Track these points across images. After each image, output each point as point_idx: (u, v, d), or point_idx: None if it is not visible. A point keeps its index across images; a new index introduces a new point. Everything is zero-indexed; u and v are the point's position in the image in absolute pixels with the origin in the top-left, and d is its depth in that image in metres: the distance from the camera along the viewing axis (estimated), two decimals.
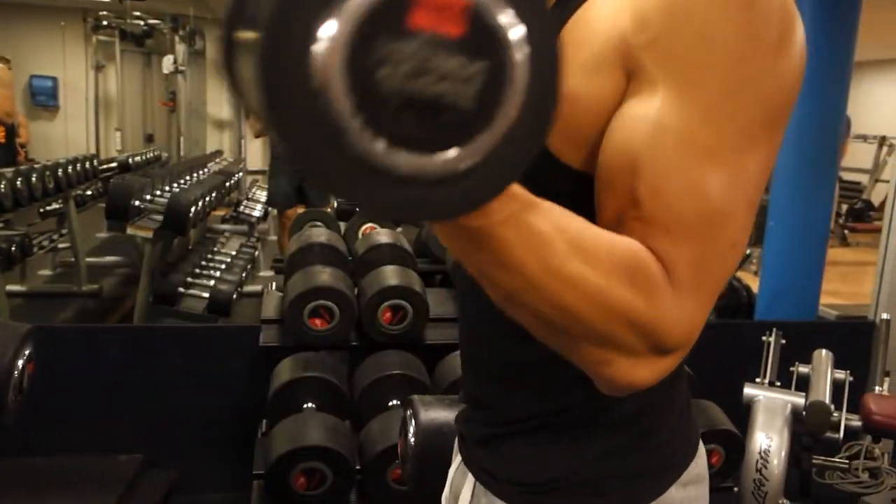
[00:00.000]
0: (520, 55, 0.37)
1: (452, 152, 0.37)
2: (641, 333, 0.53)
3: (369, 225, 2.76)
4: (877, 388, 2.40)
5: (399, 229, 2.76)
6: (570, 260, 0.50)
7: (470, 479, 0.77)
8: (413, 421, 1.07)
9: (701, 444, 0.77)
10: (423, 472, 1.05)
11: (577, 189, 0.61)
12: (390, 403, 1.93)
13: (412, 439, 1.07)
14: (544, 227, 0.50)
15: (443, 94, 0.36)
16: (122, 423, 2.35)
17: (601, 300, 0.51)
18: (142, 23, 7.78)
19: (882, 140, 8.42)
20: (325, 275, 2.08)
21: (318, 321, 2.03)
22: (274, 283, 2.45)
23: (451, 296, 2.40)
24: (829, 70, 3.43)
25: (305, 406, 1.89)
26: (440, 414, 1.08)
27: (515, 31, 0.37)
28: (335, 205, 3.87)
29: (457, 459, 0.83)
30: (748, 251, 4.11)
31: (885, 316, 2.51)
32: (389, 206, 0.39)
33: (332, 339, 2.04)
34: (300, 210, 4.98)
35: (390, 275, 2.12)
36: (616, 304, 0.52)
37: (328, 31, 0.34)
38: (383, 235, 2.42)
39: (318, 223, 2.81)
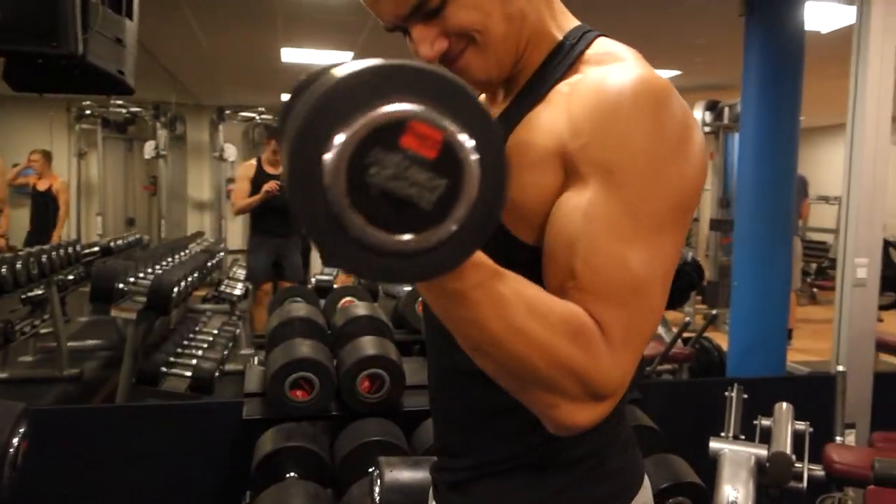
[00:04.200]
0: (475, 173, 0.52)
1: (408, 236, 0.52)
2: (581, 382, 0.65)
3: (347, 298, 2.86)
4: (838, 438, 2.50)
5: (376, 303, 2.87)
6: (527, 319, 0.63)
7: None
8: (378, 480, 1.16)
9: (646, 477, 0.88)
10: None
11: (531, 259, 0.75)
12: (370, 470, 1.99)
13: (377, 497, 1.16)
14: (507, 293, 0.63)
15: (410, 195, 0.51)
16: (108, 501, 2.38)
17: (550, 353, 0.63)
18: (124, 111, 8.01)
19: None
20: (304, 347, 2.17)
21: (299, 392, 2.11)
22: (256, 358, 2.53)
23: (424, 364, 2.48)
24: (775, 135, 3.66)
25: (288, 475, 1.95)
26: (403, 474, 1.17)
27: (474, 157, 0.52)
28: (314, 281, 3.98)
29: None
30: (714, 311, 4.24)
31: (840, 368, 2.63)
32: (371, 270, 0.54)
33: (313, 409, 2.12)
34: (282, 284, 5.12)
35: (367, 345, 2.21)
36: (562, 356, 0.64)
37: (338, 141, 0.49)
38: (360, 308, 2.52)
39: (298, 298, 2.91)
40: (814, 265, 8.45)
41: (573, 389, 0.65)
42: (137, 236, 6.38)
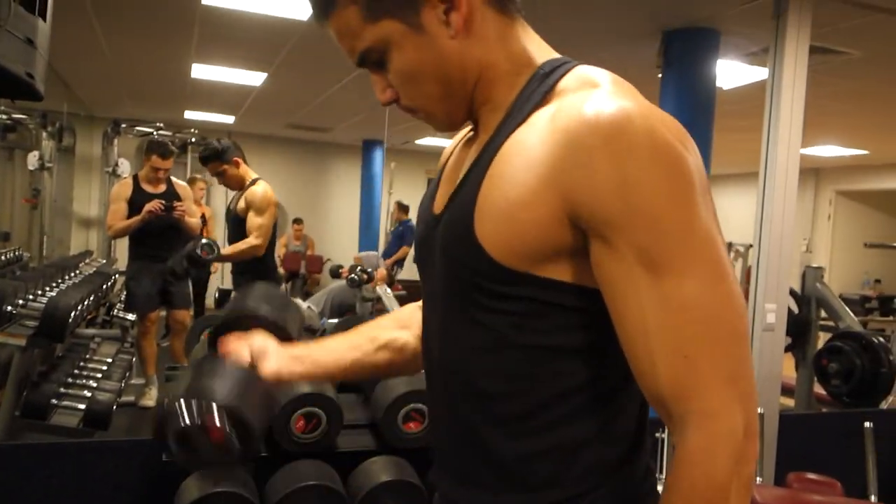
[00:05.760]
0: None
1: None
2: (731, 460, 0.68)
3: None
4: (758, 479, 2.58)
5: None
6: None
7: None
8: None
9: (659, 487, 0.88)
10: None
11: (579, 302, 0.75)
12: None
13: None
14: None
15: None
16: None
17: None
18: (4, 117, 7.40)
19: (729, 245, 9.29)
20: None
21: None
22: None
23: (361, 401, 2.37)
24: None
25: None
26: None
27: None
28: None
29: None
30: None
31: (759, 410, 2.73)
32: None
33: None
34: (173, 314, 4.79)
35: (302, 381, 2.09)
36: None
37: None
38: None
39: None
40: None
41: (734, 466, 0.68)
42: (17, 253, 5.85)
